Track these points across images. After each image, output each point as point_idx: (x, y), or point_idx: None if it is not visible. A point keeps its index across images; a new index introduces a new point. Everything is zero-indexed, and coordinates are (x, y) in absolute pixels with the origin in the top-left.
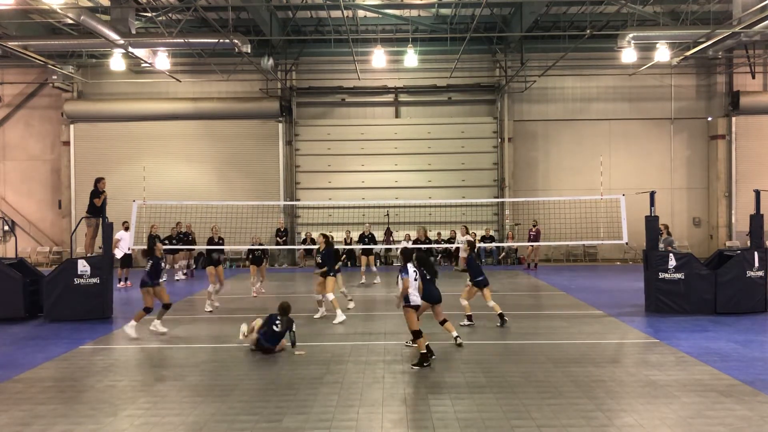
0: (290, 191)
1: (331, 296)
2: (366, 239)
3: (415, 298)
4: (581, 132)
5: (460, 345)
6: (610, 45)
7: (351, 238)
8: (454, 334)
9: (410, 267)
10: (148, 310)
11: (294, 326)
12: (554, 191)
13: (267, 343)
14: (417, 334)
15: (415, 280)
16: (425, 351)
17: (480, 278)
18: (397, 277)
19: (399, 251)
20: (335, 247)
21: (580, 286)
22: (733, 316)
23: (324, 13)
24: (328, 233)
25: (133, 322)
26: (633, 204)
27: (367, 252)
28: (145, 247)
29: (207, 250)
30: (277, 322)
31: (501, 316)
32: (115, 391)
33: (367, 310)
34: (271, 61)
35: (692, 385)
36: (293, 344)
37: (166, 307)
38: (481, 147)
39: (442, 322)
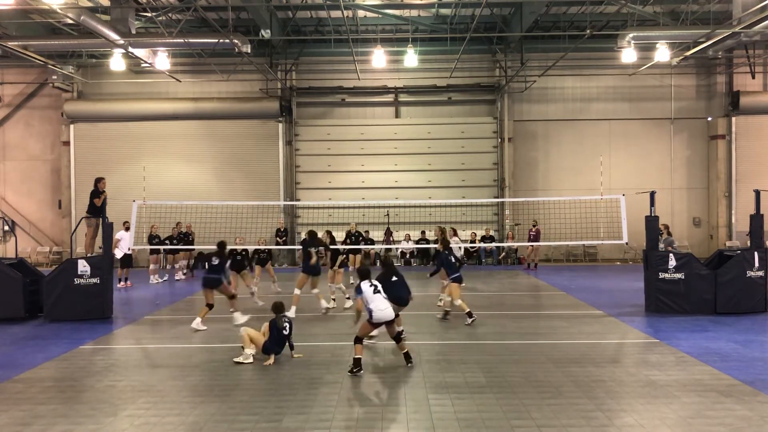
0: (290, 191)
1: (297, 291)
2: (352, 238)
3: (380, 313)
4: (581, 132)
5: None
6: (610, 45)
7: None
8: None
9: (364, 285)
10: (211, 306)
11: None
12: (554, 191)
13: (275, 347)
14: (358, 340)
15: (376, 292)
16: (359, 357)
17: (456, 275)
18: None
19: (357, 270)
20: (336, 246)
21: (580, 286)
22: (733, 316)
23: (324, 13)
24: (331, 231)
25: (198, 319)
26: (633, 204)
27: (354, 252)
28: (147, 247)
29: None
30: (286, 324)
31: (445, 313)
32: (115, 391)
33: None
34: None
35: (692, 385)
36: (291, 347)
37: (233, 297)
38: (481, 147)
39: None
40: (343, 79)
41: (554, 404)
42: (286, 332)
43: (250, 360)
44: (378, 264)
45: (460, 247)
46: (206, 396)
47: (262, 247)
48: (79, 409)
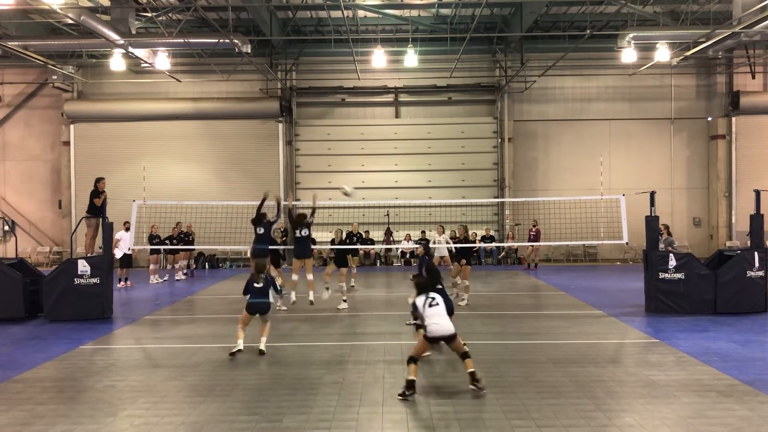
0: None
1: (294, 277)
2: (354, 238)
3: (435, 327)
4: (581, 132)
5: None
6: (610, 45)
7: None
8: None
9: (419, 300)
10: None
11: (275, 282)
12: (554, 191)
13: (259, 298)
14: (412, 360)
15: (432, 305)
16: (413, 379)
17: None
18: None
19: (413, 283)
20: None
21: (580, 286)
22: (733, 316)
23: (324, 13)
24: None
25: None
26: (633, 204)
27: (353, 252)
28: (147, 247)
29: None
30: (261, 281)
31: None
32: (115, 391)
33: (367, 310)
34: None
35: (692, 385)
36: (278, 291)
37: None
38: (481, 147)
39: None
40: (343, 79)
41: (554, 404)
42: (258, 285)
43: (240, 347)
44: (378, 264)
45: (451, 248)
46: (206, 396)
47: (276, 247)
48: (79, 409)
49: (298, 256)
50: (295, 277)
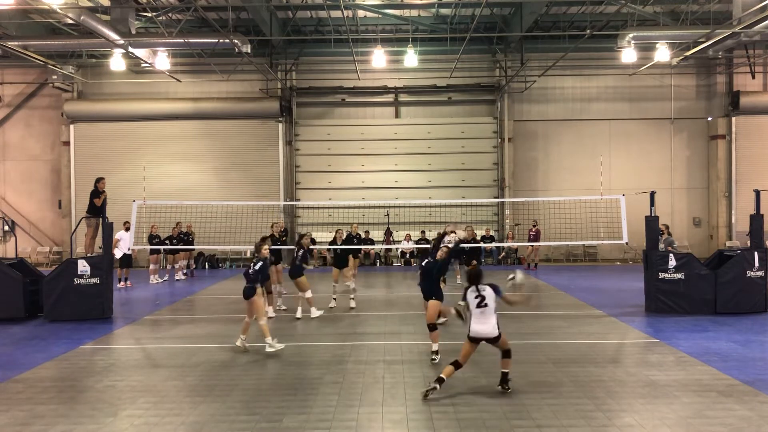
0: (290, 191)
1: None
2: (354, 240)
3: (478, 327)
4: (581, 132)
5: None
6: (610, 45)
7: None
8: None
9: (470, 293)
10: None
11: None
12: (554, 191)
13: (249, 284)
14: (457, 365)
15: (481, 305)
16: (444, 378)
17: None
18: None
19: (466, 273)
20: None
21: (580, 286)
22: (733, 316)
23: (324, 13)
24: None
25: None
26: (633, 204)
27: (354, 254)
28: (147, 247)
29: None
30: (252, 264)
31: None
32: (115, 391)
33: (367, 310)
34: None
35: (692, 385)
36: (261, 284)
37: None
38: (481, 147)
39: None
40: (343, 79)
41: (554, 404)
42: (250, 271)
43: (238, 343)
44: (378, 264)
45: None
46: (206, 396)
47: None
48: (79, 409)
49: (291, 276)
50: (302, 294)
